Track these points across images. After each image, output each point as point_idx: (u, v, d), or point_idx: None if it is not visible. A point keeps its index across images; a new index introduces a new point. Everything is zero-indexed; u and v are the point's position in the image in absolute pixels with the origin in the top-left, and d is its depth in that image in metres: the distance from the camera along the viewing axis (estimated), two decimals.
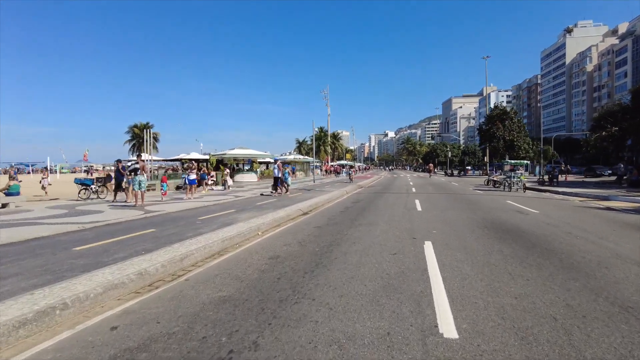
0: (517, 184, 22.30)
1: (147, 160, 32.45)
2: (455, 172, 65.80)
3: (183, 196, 17.63)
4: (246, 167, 42.51)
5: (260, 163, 55.46)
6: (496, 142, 55.37)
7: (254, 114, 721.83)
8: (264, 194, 18.75)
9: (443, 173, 65.20)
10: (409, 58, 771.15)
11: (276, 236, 8.24)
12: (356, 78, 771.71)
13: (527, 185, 22.37)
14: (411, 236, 7.77)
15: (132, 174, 13.99)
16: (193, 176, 17.90)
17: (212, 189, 25.16)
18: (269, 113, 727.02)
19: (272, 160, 56.44)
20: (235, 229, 8.41)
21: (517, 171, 23.30)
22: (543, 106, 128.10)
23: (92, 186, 17.69)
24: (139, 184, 13.59)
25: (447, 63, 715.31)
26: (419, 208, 12.84)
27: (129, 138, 60.78)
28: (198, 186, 21.50)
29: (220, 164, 36.91)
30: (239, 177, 37.21)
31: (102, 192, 18.27)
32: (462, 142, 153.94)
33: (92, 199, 17.59)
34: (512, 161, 24.85)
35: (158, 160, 40.94)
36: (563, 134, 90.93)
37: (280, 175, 18.30)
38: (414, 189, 23.44)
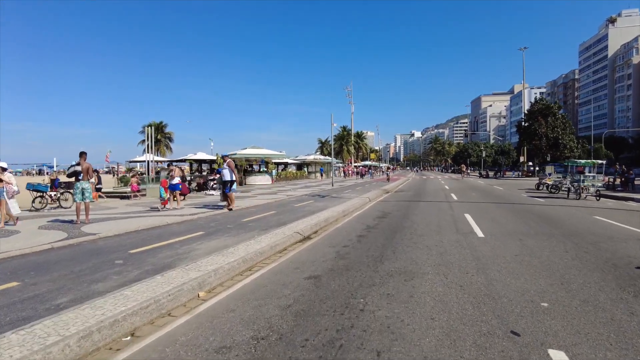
0: (587, 189, 17.49)
1: (150, 161, 29.16)
2: (491, 174, 60.17)
3: (166, 205, 13.84)
4: (263, 169, 38.85)
5: (278, 164, 51.89)
6: (538, 140, 49.66)
7: (278, 114, 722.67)
8: (216, 206, 14.63)
9: (477, 174, 59.70)
10: (435, 56, 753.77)
11: (225, 307, 4.19)
12: (381, 78, 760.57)
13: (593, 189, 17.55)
14: (505, 325, 3.52)
15: (73, 178, 10.26)
16: (176, 180, 14.15)
17: (213, 194, 21.50)
18: (293, 113, 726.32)
19: (290, 161, 52.67)
20: (150, 289, 4.41)
21: (587, 173, 18.45)
22: (581, 103, 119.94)
23: (50, 193, 14.22)
24: (82, 193, 9.86)
25: (475, 61, 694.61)
26: (478, 232, 8.49)
27: (144, 138, 58.26)
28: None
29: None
30: (251, 180, 33.62)
31: (66, 199, 14.78)
32: (492, 141, 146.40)
33: (55, 208, 14.18)
34: (582, 161, 20.02)
35: (164, 161, 37.75)
36: (604, 132, 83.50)
37: (234, 179, 13.15)
38: (453, 196, 18.94)
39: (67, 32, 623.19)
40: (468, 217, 10.91)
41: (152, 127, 29.53)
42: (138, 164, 39.82)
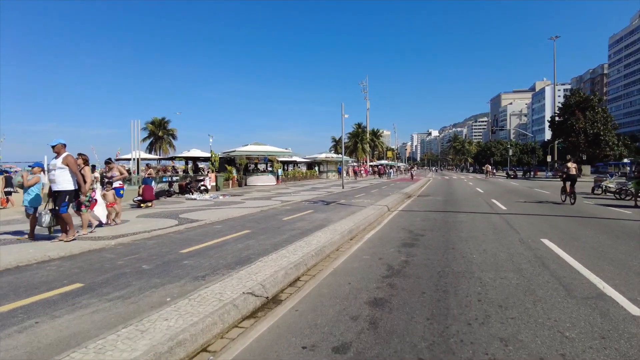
0: None
1: (138, 159, 25.47)
2: (520, 173, 54.87)
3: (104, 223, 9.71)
4: (269, 168, 34.82)
5: (285, 163, 47.91)
6: (575, 137, 44.31)
7: (292, 114, 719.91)
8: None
9: (505, 175, 54.51)
10: (451, 54, 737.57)
11: None
12: (397, 77, 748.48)
13: None
14: None
15: None
16: (117, 183, 10.22)
17: (196, 199, 17.60)
18: (307, 113, 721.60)
19: (299, 160, 48.44)
20: None
21: None
22: (611, 99, 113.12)
23: None
24: None
25: (494, 59, 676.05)
26: (617, 297, 4.14)
27: (146, 135, 54.97)
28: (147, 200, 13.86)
29: (227, 163, 29.50)
30: (252, 180, 29.70)
31: None
32: (512, 138, 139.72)
33: None
34: None
35: (152, 159, 33.98)
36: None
37: (73, 188, 7.32)
38: (497, 203, 14.51)
39: (89, 36, 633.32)
40: (553, 247, 6.62)
41: (139, 122, 25.78)
42: (127, 162, 36.32)
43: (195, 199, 17.47)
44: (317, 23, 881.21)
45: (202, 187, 20.14)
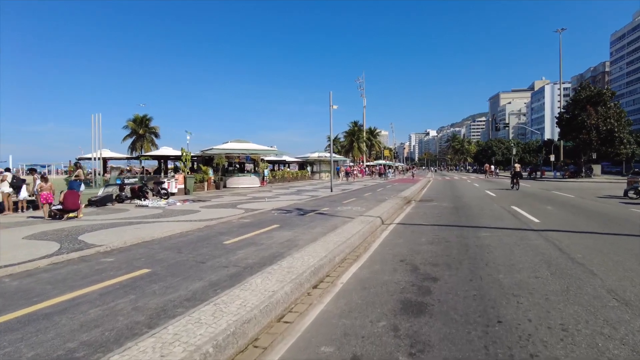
0: None
1: (99, 158, 22.04)
2: (524, 174, 51.67)
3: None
4: (257, 169, 31.41)
5: (276, 163, 44.67)
6: (586, 134, 41.00)
7: (292, 114, 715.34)
8: None
9: (510, 175, 51.30)
10: (449, 54, 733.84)
11: None
12: (393, 77, 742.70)
13: None
14: None
15: None
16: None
17: (147, 205, 14.31)
18: (307, 113, 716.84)
19: (289, 159, 45.08)
20: None
21: None
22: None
23: None
24: None
25: (492, 58, 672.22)
26: None
27: (128, 133, 51.48)
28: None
29: (205, 163, 26.19)
30: (232, 182, 26.40)
31: None
32: (511, 136, 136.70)
33: None
34: None
35: (116, 158, 30.14)
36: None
37: None
38: (525, 214, 11.23)
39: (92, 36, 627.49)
40: None
41: (100, 115, 22.25)
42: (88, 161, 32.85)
43: (146, 206, 14.19)
44: (316, 23, 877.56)
45: (163, 192, 16.87)
